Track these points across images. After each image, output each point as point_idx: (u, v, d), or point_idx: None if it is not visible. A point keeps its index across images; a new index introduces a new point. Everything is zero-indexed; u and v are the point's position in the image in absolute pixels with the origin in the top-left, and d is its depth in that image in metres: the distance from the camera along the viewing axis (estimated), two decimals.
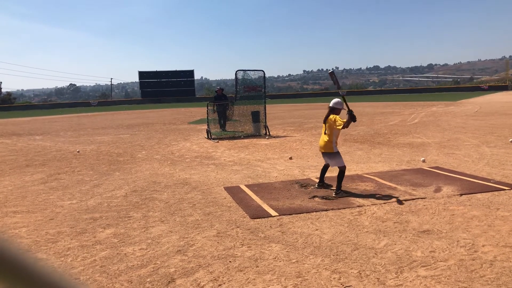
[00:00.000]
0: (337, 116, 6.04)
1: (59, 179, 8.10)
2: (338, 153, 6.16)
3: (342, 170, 6.07)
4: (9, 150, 13.01)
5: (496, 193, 5.88)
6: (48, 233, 4.81)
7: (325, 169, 6.53)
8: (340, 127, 5.86)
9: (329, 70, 6.43)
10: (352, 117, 5.73)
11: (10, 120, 32.00)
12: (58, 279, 0.45)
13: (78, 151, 11.98)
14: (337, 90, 6.21)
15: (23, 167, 9.70)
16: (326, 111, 6.29)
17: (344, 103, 6.04)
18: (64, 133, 18.70)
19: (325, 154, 6.28)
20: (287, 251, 4.03)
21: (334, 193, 6.05)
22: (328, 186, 6.49)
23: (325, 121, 6.19)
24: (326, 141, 6.13)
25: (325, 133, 6.16)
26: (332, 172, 6.62)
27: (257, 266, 3.70)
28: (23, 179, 8.23)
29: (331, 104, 6.17)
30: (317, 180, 6.71)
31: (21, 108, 59.47)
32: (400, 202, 5.61)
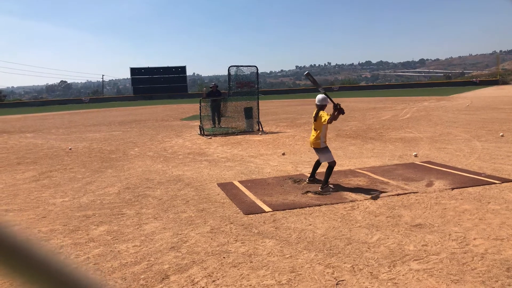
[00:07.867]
0: (324, 112, 6.19)
1: (51, 176, 8.03)
2: (326, 148, 6.30)
3: (331, 165, 6.18)
4: None
5: (487, 187, 5.94)
6: (40, 231, 4.77)
7: (317, 164, 6.58)
8: (326, 121, 6.02)
9: (305, 72, 6.59)
10: (339, 111, 5.97)
11: (1, 118, 31.61)
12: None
13: (70, 149, 11.89)
14: (318, 88, 6.40)
15: (14, 165, 9.60)
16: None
17: (328, 99, 6.22)
18: (55, 130, 18.53)
19: (315, 149, 6.41)
20: (280, 247, 4.04)
21: (320, 188, 6.11)
22: (320, 181, 6.53)
23: (315, 119, 6.30)
24: (314, 137, 6.28)
25: (314, 129, 6.31)
26: (324, 168, 6.63)
27: (251, 262, 3.71)
28: (14, 177, 8.15)
29: (317, 102, 6.31)
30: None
31: (12, 106, 58.63)
32: (392, 196, 5.65)
